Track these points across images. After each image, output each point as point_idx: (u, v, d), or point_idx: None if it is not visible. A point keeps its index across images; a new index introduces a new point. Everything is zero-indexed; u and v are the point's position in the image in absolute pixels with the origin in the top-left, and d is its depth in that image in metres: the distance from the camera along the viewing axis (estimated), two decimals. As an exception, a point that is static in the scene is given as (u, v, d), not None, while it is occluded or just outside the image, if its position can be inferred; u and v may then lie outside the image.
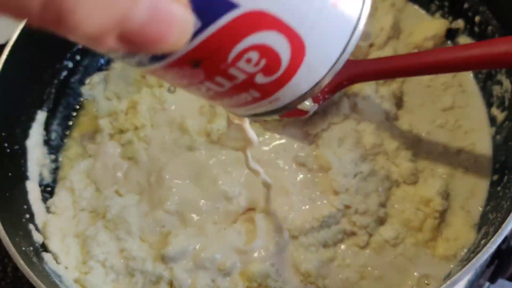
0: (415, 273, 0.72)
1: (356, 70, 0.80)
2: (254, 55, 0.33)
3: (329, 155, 0.80)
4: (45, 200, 0.83)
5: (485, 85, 0.88)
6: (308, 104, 0.81)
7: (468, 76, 0.91)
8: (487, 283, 1.07)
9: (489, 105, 0.87)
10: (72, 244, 0.76)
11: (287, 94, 0.38)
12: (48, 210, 0.82)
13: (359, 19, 0.37)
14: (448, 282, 0.60)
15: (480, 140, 0.84)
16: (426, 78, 0.91)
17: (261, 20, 0.32)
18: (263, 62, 0.34)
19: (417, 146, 0.85)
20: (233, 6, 0.30)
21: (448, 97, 0.89)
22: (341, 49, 0.38)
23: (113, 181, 0.84)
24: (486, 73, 0.87)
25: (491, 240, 0.57)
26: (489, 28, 0.84)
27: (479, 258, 0.56)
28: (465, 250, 0.72)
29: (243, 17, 0.31)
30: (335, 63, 0.39)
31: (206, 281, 0.72)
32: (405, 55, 0.76)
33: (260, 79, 0.36)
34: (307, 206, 0.78)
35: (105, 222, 0.78)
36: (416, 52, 0.84)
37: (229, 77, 0.35)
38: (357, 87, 0.87)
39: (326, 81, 0.40)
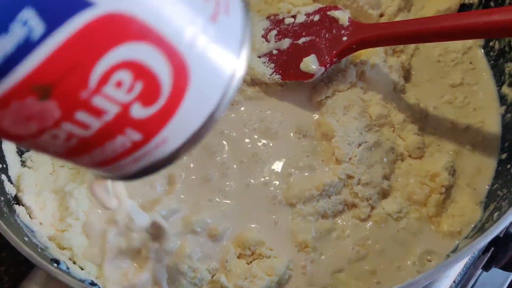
0: (417, 249, 0.68)
1: (366, 34, 0.75)
2: (125, 76, 0.25)
3: (333, 123, 0.75)
4: (20, 153, 0.76)
5: (497, 63, 0.84)
6: (314, 66, 0.76)
7: (479, 53, 0.87)
8: (480, 271, 1.05)
9: (500, 83, 0.83)
10: (48, 200, 0.69)
11: (176, 132, 0.29)
12: (23, 164, 0.74)
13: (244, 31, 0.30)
14: (452, 257, 0.56)
15: (489, 118, 0.80)
16: (436, 53, 0.87)
17: (127, 27, 0.24)
18: (138, 86, 0.26)
19: (424, 120, 0.81)
20: (86, 4, 0.23)
21: (457, 73, 0.85)
22: (230, 73, 0.29)
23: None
24: (499, 50, 0.84)
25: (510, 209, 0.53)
26: (507, 1, 0.80)
27: (496, 226, 0.52)
28: (471, 226, 0.68)
29: (102, 21, 0.23)
30: (229, 85, 0.29)
31: (195, 245, 0.67)
32: (419, 19, 0.72)
33: (138, 111, 0.27)
34: (307, 174, 0.73)
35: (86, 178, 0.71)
36: (431, 16, 0.79)
37: (96, 111, 0.26)
38: (365, 56, 0.82)
39: (222, 111, 0.30)
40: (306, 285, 0.65)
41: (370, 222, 0.70)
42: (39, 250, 0.59)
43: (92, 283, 0.59)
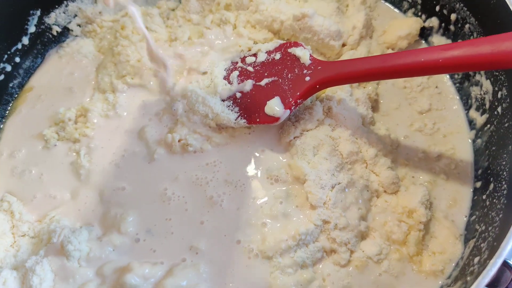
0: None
1: (328, 73, 0.73)
2: None
3: (304, 166, 0.73)
4: (-23, 225, 0.71)
5: (462, 86, 0.84)
6: (278, 109, 0.74)
7: (443, 77, 0.87)
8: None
9: (467, 107, 0.83)
10: (10, 278, 0.64)
11: None
12: (-19, 237, 0.70)
13: None
14: None
15: (460, 144, 0.80)
16: (401, 80, 0.87)
17: None
18: None
19: (395, 152, 0.80)
20: None
21: (424, 99, 0.85)
22: None
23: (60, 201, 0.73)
24: (463, 74, 0.84)
25: (490, 262, 0.51)
26: (466, 26, 0.80)
27: (478, 284, 0.51)
28: (453, 264, 0.67)
29: None
30: None
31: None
32: (380, 56, 0.71)
33: None
34: (282, 223, 0.70)
35: (50, 248, 0.67)
36: (392, 53, 0.79)
37: None
38: (330, 90, 0.81)
39: None
40: None
41: (351, 268, 0.68)
42: None
43: None
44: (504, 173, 0.66)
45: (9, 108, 0.84)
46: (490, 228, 0.62)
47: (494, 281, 0.97)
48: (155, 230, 0.70)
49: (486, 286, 1.00)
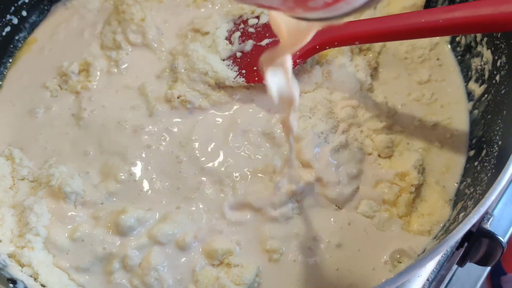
0: (388, 248, 0.67)
1: (329, 34, 0.74)
2: None
3: (300, 126, 0.74)
4: (-22, 167, 0.73)
5: (464, 59, 0.84)
6: (278, 69, 0.75)
7: (445, 49, 0.87)
8: (455, 267, 1.05)
9: (467, 79, 0.83)
10: (7, 215, 0.67)
11: None
12: (-19, 178, 0.72)
13: None
14: (419, 259, 0.55)
15: (457, 115, 0.80)
16: (403, 50, 0.87)
17: None
18: None
19: (392, 118, 0.80)
20: None
21: (424, 70, 0.85)
22: None
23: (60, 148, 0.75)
24: (465, 45, 0.84)
25: (473, 210, 0.52)
26: (471, -4, 0.80)
27: (459, 230, 0.52)
28: (440, 225, 0.68)
29: None
30: None
31: (161, 258, 0.65)
32: (381, 18, 0.71)
33: None
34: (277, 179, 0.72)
35: (48, 191, 0.69)
36: (393, 14, 0.79)
37: None
38: (331, 55, 0.82)
39: None
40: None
41: (340, 223, 0.69)
42: (-6, 271, 0.57)
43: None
44: (497, 137, 0.66)
45: (12, 58, 0.86)
46: (478, 188, 0.63)
47: (484, 258, 0.98)
48: (151, 179, 0.71)
49: (476, 262, 1.01)
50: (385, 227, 0.69)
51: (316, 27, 0.48)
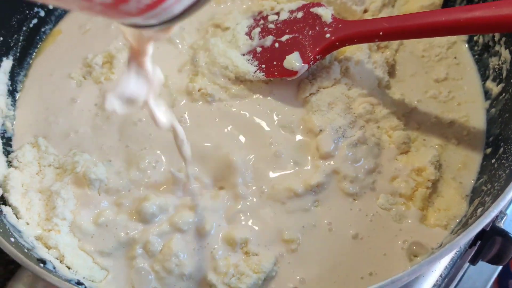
0: (405, 240, 0.68)
1: (348, 31, 0.75)
2: None
3: (318, 120, 0.76)
4: (7, 153, 0.76)
5: (481, 58, 0.85)
6: (297, 64, 0.76)
7: (463, 48, 0.88)
8: (467, 264, 1.06)
9: (484, 78, 0.84)
10: (35, 200, 0.69)
11: None
12: (9, 164, 0.74)
13: None
14: (435, 253, 0.56)
15: (474, 113, 0.81)
16: (420, 48, 0.88)
17: None
18: None
19: (408, 116, 0.81)
20: None
21: (442, 68, 0.86)
22: None
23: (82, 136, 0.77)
24: (483, 44, 0.84)
25: (493, 204, 0.53)
26: (489, -4, 0.80)
27: (478, 223, 0.53)
28: (457, 220, 0.69)
29: None
30: None
31: (181, 245, 0.67)
32: (401, 16, 0.72)
33: None
34: (293, 170, 0.73)
35: (73, 178, 0.72)
36: (413, 13, 0.80)
37: None
38: (349, 52, 0.83)
39: None
40: (291, 279, 0.66)
41: (358, 214, 0.71)
42: (26, 250, 0.59)
43: (79, 283, 0.60)
44: (513, 134, 0.67)
45: (37, 49, 0.88)
46: (496, 185, 0.64)
47: (497, 256, 0.98)
48: (172, 167, 0.73)
49: (488, 261, 1.02)
50: (402, 220, 0.70)
51: (151, 34, 0.49)
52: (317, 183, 0.71)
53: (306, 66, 0.76)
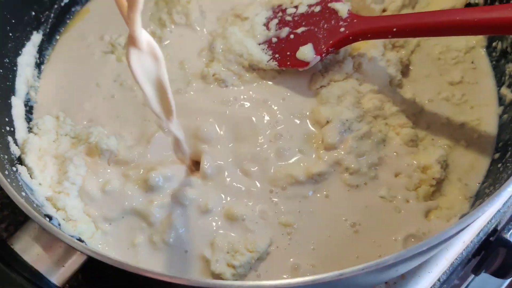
0: (404, 231, 0.68)
1: (363, 26, 0.76)
2: None
3: (326, 111, 0.77)
4: (28, 120, 0.81)
5: (498, 64, 0.84)
6: (309, 55, 0.78)
7: (481, 53, 0.87)
8: (472, 276, 1.04)
9: (500, 84, 0.83)
10: (49, 163, 0.73)
11: None
12: (30, 130, 0.79)
13: None
14: (427, 239, 0.53)
15: (487, 117, 0.80)
16: (437, 51, 0.88)
17: None
18: None
19: (419, 115, 0.81)
20: None
21: (457, 71, 0.85)
22: None
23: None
24: (501, 51, 0.84)
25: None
26: None
27: (494, 197, 0.53)
28: (458, 216, 0.68)
29: None
30: None
31: (181, 219, 0.69)
32: (418, 13, 0.73)
33: None
34: (297, 158, 0.75)
35: (86, 147, 0.75)
36: (428, 11, 0.80)
37: None
38: (364, 49, 0.84)
39: None
40: (284, 262, 0.67)
41: (358, 205, 0.71)
42: (35, 205, 0.63)
43: (80, 240, 0.63)
44: (521, 139, 0.67)
45: (64, 27, 0.93)
46: (497, 186, 0.64)
47: (501, 269, 0.96)
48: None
49: (492, 274, 0.99)
50: (402, 213, 0.70)
51: None
52: (318, 172, 0.72)
53: (318, 57, 0.78)
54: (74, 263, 0.57)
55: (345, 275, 0.48)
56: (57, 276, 0.56)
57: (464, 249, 0.82)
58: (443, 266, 0.77)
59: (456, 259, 0.82)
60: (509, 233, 0.91)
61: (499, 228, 0.92)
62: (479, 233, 0.84)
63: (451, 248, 0.76)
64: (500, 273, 0.95)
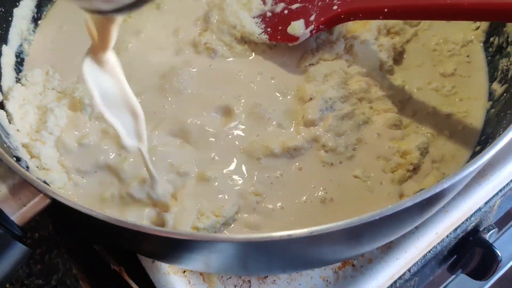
0: (377, 208, 0.67)
1: (355, 5, 0.75)
2: None
3: (310, 88, 0.76)
4: (18, 71, 0.82)
5: (493, 59, 0.83)
6: (300, 30, 0.78)
7: (477, 48, 0.86)
8: (452, 277, 1.02)
9: (492, 80, 0.81)
10: (30, 113, 0.74)
11: None
12: (18, 80, 0.80)
13: None
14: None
15: (474, 110, 0.79)
16: (433, 42, 0.86)
17: None
18: None
19: (406, 102, 0.80)
20: None
21: (451, 64, 0.84)
22: None
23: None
24: (497, 46, 0.82)
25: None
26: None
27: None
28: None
29: None
30: None
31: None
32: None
33: None
34: (276, 130, 0.74)
35: (70, 101, 0.76)
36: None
37: None
38: (359, 32, 0.83)
39: None
40: (246, 228, 0.67)
41: (331, 181, 0.71)
42: (5, 146, 0.63)
43: (45, 182, 0.63)
44: (501, 130, 0.65)
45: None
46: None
47: (478, 269, 0.94)
48: (158, 110, 0.76)
49: (469, 274, 0.97)
50: (375, 192, 0.69)
51: (113, 19, 0.49)
52: (294, 146, 0.72)
53: (308, 33, 0.77)
54: (37, 204, 0.57)
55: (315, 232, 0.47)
56: (18, 215, 0.56)
57: (438, 243, 0.81)
58: (413, 254, 0.76)
59: (430, 252, 0.80)
60: (488, 234, 0.90)
61: (480, 228, 0.91)
62: (456, 229, 0.82)
63: (422, 237, 0.75)
64: (476, 275, 0.93)
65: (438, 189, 0.50)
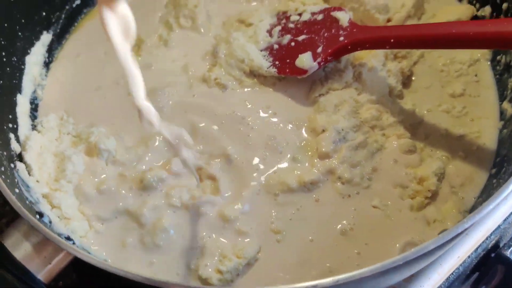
0: (397, 239, 0.68)
1: (361, 35, 0.76)
2: None
3: (322, 119, 0.77)
4: (33, 118, 0.83)
5: (501, 78, 0.83)
6: (308, 63, 0.78)
7: (485, 67, 0.86)
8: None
9: (502, 98, 0.82)
10: (48, 161, 0.75)
11: None
12: (34, 128, 0.81)
13: None
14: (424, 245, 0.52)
15: (487, 130, 0.79)
16: (440, 63, 0.87)
17: None
18: None
19: (417, 126, 0.80)
20: None
21: (459, 84, 0.84)
22: None
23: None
24: (505, 64, 0.82)
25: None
26: (516, 15, 0.79)
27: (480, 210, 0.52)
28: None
29: None
30: None
31: (173, 221, 0.70)
32: (418, 24, 0.73)
33: None
34: (291, 165, 0.75)
35: (86, 146, 0.77)
36: (427, 23, 0.79)
37: None
38: (366, 59, 0.84)
39: None
40: (272, 268, 0.67)
41: (350, 212, 0.71)
42: (28, 203, 0.65)
43: (68, 238, 0.64)
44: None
45: (73, 26, 0.96)
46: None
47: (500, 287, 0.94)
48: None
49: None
50: (395, 217, 0.69)
51: None
52: (311, 180, 0.72)
53: (316, 66, 0.78)
54: (61, 261, 0.58)
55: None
56: (43, 273, 0.57)
57: (461, 264, 0.81)
58: (435, 280, 0.76)
59: (452, 274, 0.81)
60: (509, 250, 0.90)
61: (501, 245, 0.91)
62: (477, 249, 0.83)
63: (444, 263, 0.75)
64: (500, 293, 0.93)
65: (459, 230, 0.50)
